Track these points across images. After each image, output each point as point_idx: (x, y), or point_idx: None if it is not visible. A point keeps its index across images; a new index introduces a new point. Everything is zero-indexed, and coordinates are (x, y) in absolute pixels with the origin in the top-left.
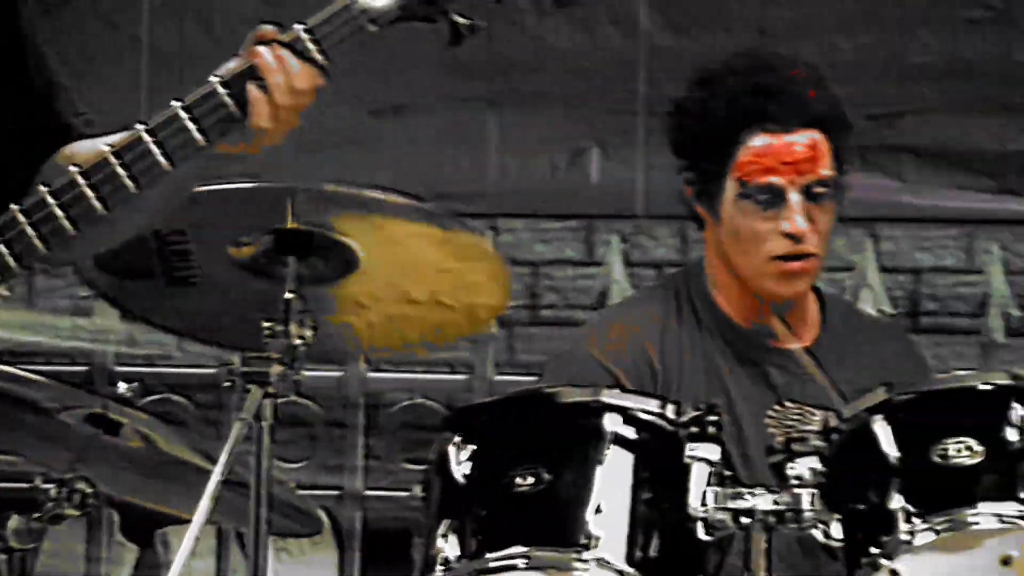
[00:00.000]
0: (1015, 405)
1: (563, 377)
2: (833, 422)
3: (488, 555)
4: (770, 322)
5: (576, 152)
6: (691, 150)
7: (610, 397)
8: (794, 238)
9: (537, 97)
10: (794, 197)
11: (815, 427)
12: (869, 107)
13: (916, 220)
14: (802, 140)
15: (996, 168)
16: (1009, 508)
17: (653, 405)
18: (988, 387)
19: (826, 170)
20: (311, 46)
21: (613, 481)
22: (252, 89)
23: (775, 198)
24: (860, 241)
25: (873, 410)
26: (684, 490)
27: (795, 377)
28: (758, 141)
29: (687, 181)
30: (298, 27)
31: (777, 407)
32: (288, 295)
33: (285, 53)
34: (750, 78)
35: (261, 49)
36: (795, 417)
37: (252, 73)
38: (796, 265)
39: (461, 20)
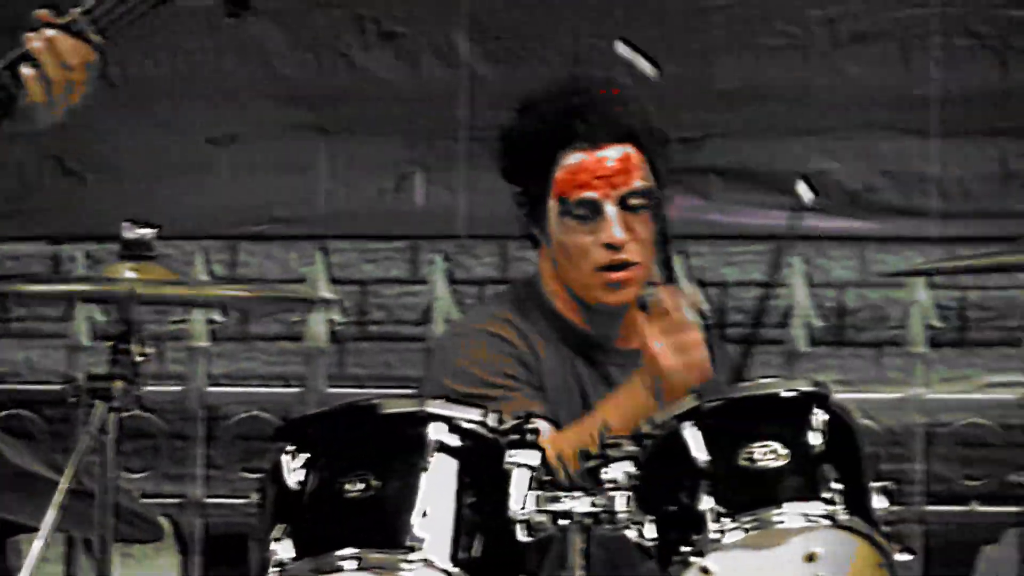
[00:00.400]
0: (816, 410)
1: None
2: (646, 428)
3: (320, 557)
4: (603, 328)
5: (401, 177)
6: (516, 174)
7: (434, 407)
8: (614, 248)
9: (364, 125)
10: (610, 209)
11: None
12: (677, 131)
13: (723, 237)
14: (613, 154)
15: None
16: (814, 507)
17: (475, 415)
18: (792, 394)
19: (640, 181)
20: (86, 26)
21: (438, 486)
22: (24, 69)
23: (593, 211)
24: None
25: (683, 416)
26: (505, 494)
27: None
28: (572, 159)
29: (518, 204)
30: (75, 10)
31: None
32: (128, 316)
33: (55, 33)
34: (560, 101)
35: (31, 34)
36: None
37: (28, 55)
38: (619, 275)
39: None
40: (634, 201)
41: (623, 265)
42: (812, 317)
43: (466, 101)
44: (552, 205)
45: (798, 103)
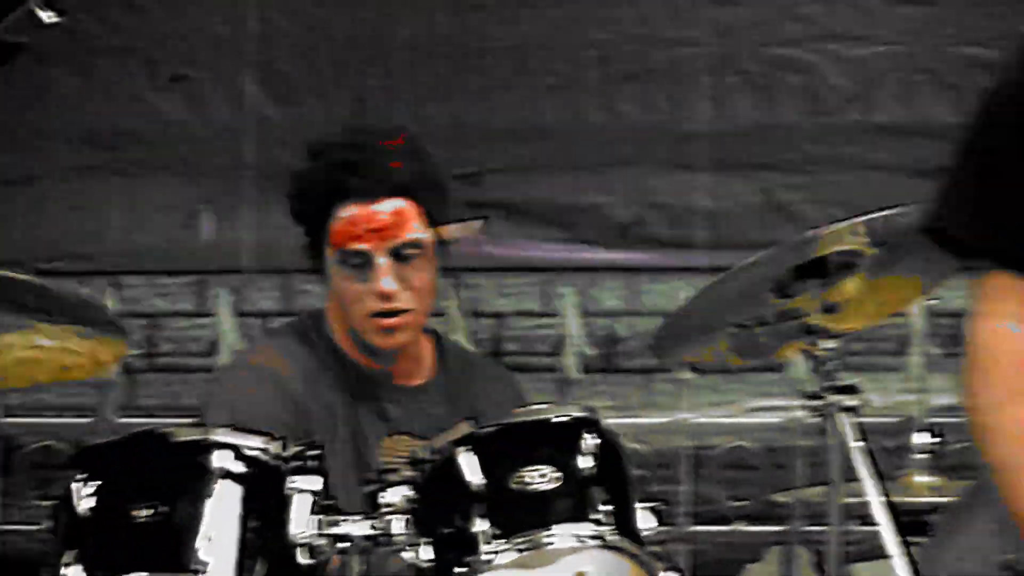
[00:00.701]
0: (587, 435)
1: (220, 419)
2: (423, 454)
3: None
4: (383, 364)
5: (190, 214)
6: (300, 219)
7: (219, 435)
8: (386, 297)
9: (155, 165)
10: (381, 261)
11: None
12: (456, 167)
13: (498, 269)
14: (386, 208)
15: (569, 220)
16: (584, 528)
17: (258, 442)
18: (563, 419)
19: (413, 233)
20: None
21: (223, 511)
22: None
23: (365, 262)
24: (447, 289)
25: (459, 442)
26: (287, 518)
27: (409, 411)
28: (347, 211)
29: (303, 245)
30: None
31: (389, 439)
32: None
33: None
34: (338, 154)
35: None
36: (403, 449)
37: None
38: (391, 321)
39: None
40: (407, 252)
41: (395, 312)
42: (584, 346)
43: (253, 141)
44: (330, 252)
45: (572, 139)
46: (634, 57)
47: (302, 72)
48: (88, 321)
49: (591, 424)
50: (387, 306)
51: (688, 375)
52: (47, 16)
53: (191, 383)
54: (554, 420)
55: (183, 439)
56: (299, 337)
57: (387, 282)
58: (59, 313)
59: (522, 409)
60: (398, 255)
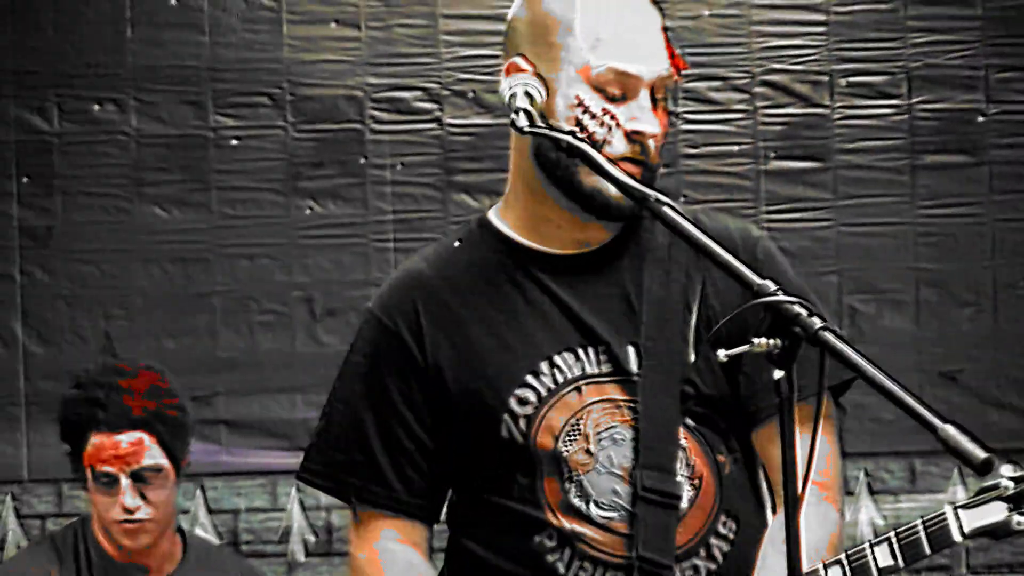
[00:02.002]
0: None
1: None
2: None
3: None
4: (138, 559)
5: None
6: (65, 439)
7: None
8: (127, 511)
9: None
10: (124, 481)
11: None
12: (191, 391)
13: (232, 474)
14: (127, 439)
15: (288, 432)
16: None
17: None
18: None
19: (150, 459)
20: None
21: None
22: None
23: (112, 481)
24: (192, 491)
25: None
26: None
27: None
28: (97, 439)
29: (70, 457)
30: None
31: None
32: None
33: None
34: (90, 391)
35: None
36: None
37: None
38: (131, 526)
39: None
40: (146, 474)
41: (136, 521)
42: (306, 535)
43: (20, 375)
44: (87, 469)
45: (286, 366)
46: (334, 297)
47: (60, 315)
48: None
49: None
50: (129, 517)
51: None
52: None
53: None
54: None
55: None
56: (64, 539)
57: (128, 499)
58: None
59: None
60: (138, 477)
